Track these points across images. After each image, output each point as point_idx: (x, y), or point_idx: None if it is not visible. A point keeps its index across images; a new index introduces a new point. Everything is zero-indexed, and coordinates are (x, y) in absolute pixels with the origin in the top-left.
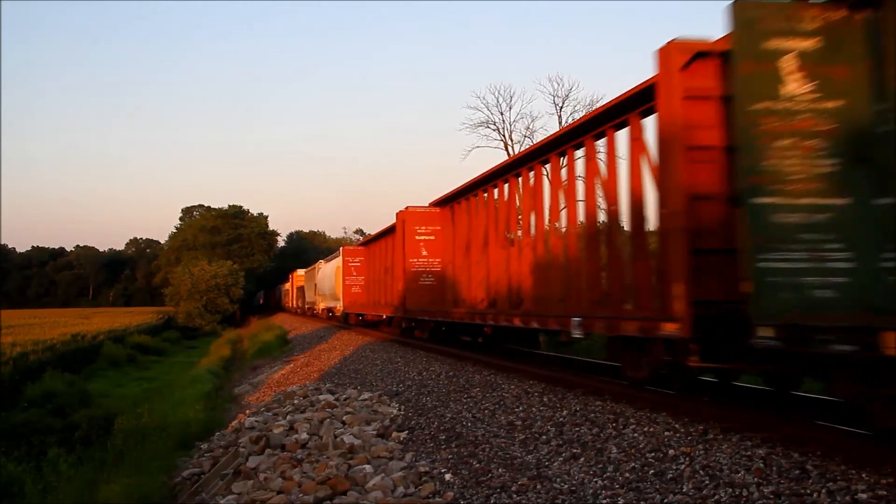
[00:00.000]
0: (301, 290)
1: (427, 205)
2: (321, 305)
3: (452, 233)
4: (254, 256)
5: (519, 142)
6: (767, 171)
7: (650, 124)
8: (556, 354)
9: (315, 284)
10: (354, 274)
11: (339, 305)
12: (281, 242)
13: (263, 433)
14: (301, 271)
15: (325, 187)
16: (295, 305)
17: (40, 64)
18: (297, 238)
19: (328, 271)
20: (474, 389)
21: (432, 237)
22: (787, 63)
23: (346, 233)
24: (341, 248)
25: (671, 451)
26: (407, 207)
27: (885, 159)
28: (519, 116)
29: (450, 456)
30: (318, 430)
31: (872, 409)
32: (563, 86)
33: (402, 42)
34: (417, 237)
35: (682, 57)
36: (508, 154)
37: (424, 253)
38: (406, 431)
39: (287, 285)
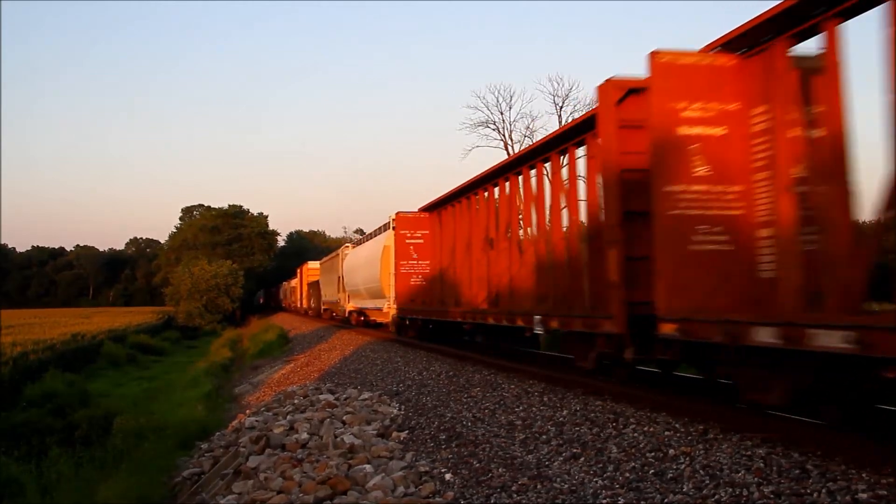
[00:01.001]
0: (315, 286)
1: (705, 49)
2: (350, 305)
3: (782, 114)
4: (254, 256)
5: (519, 141)
6: None
7: None
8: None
9: (339, 277)
10: (415, 257)
11: (388, 306)
12: (281, 242)
13: (263, 433)
14: (314, 263)
15: (325, 187)
16: (305, 305)
17: (40, 64)
18: (297, 238)
19: (363, 257)
20: (474, 389)
21: (723, 129)
22: None
23: (346, 232)
24: (393, 215)
25: (671, 451)
26: (655, 53)
27: None
28: (519, 116)
29: (450, 456)
30: (319, 430)
31: None
32: (563, 86)
33: (402, 42)
34: (682, 131)
35: None
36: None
37: (701, 170)
38: (406, 431)
39: (294, 282)
